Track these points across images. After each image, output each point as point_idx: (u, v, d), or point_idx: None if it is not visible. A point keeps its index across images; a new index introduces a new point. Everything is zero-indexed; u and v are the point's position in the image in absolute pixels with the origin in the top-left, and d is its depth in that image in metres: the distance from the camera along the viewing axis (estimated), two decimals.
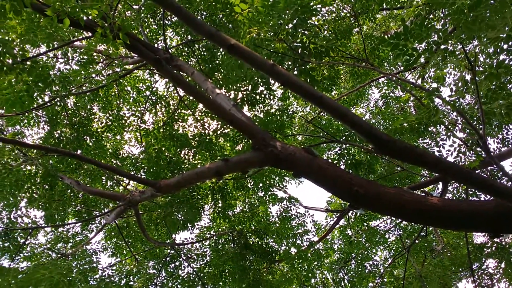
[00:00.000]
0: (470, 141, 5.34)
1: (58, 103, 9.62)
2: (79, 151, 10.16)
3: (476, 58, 4.73)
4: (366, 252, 12.94)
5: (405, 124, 7.01)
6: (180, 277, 11.76)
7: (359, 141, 10.40)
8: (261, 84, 7.71)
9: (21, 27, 6.55)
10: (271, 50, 5.65)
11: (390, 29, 13.71)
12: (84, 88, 9.94)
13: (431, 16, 9.83)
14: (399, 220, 12.88)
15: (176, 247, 11.91)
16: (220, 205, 11.72)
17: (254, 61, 4.05)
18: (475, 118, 5.63)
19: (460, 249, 12.21)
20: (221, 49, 9.57)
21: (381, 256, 14.43)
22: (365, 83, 12.03)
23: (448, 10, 3.86)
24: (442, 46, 4.23)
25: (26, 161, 9.70)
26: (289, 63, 5.85)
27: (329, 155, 10.83)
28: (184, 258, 11.99)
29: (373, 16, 9.99)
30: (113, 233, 12.77)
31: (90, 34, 5.76)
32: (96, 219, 12.26)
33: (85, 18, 4.84)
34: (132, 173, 10.96)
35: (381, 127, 12.02)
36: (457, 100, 5.65)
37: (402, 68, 13.42)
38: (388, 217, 13.39)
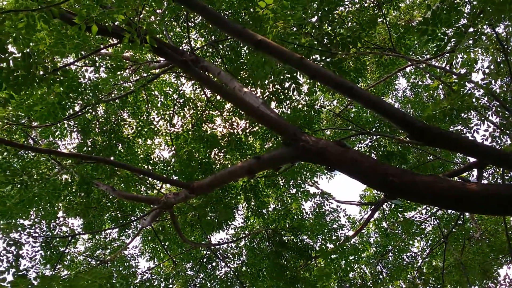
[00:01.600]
0: (505, 124, 5.19)
1: (89, 112, 9.82)
2: (112, 158, 10.33)
3: (507, 39, 4.59)
4: (403, 244, 12.73)
5: (437, 112, 6.87)
6: (218, 277, 11.85)
7: (390, 132, 10.26)
8: (287, 80, 7.67)
9: (50, 38, 6.70)
10: (298, 44, 5.62)
11: (414, 18, 13.46)
12: (113, 95, 10.11)
13: (457, 0, 9.60)
14: (435, 209, 12.65)
15: (212, 247, 12.00)
16: (253, 203, 11.72)
17: (282, 55, 4.03)
18: (509, 100, 5.47)
19: (498, 235, 11.93)
20: (245, 48, 9.59)
21: (419, 247, 14.19)
22: (392, 73, 11.85)
23: None
24: (471, 29, 4.13)
25: (62, 170, 9.95)
26: (316, 56, 5.80)
27: (360, 148, 10.71)
28: (221, 258, 12.06)
29: (397, 4, 9.81)
30: (149, 237, 12.96)
31: (116, 40, 5.85)
32: (133, 224, 12.45)
33: (111, 24, 4.92)
34: (165, 176, 11.08)
35: (412, 116, 11.81)
36: (489, 83, 5.50)
37: (428, 56, 13.17)
38: (424, 207, 13.16)
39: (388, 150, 10.30)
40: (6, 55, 4.53)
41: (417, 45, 12.42)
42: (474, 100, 6.58)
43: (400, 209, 12.50)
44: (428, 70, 10.48)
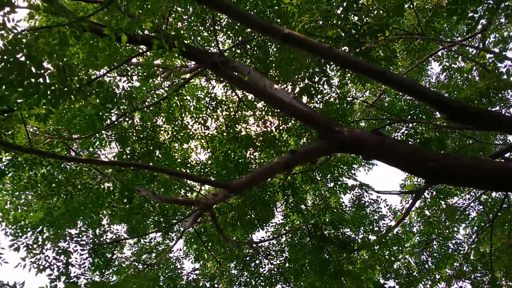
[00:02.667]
0: None
1: (126, 121, 10.06)
2: (150, 164, 10.55)
3: None
4: (447, 231, 12.45)
5: (474, 91, 6.69)
6: (262, 275, 11.92)
7: (426, 118, 10.06)
8: (318, 74, 7.65)
9: (83, 52, 6.91)
10: (325, 36, 5.60)
11: (441, 1, 13.15)
12: (147, 102, 10.33)
13: None
14: (478, 193, 12.33)
15: (254, 245, 12.08)
16: (291, 200, 11.73)
17: (310, 47, 4.03)
18: None
19: None
20: (273, 46, 9.61)
21: (464, 234, 13.84)
22: (424, 58, 11.60)
23: None
24: (502, 5, 4.02)
25: (104, 179, 10.24)
26: (345, 47, 5.77)
27: (396, 137, 10.56)
28: (264, 255, 12.13)
29: None
30: (192, 239, 13.17)
31: (146, 48, 5.98)
32: (175, 227, 12.67)
33: (141, 32, 5.04)
34: (202, 177, 11.22)
35: None
36: None
37: (460, 38, 12.83)
38: (467, 192, 12.84)
39: (426, 137, 10.11)
40: (42, 71, 4.70)
41: (447, 28, 12.12)
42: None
43: (441, 196, 12.23)
44: (460, 52, 10.24)
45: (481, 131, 10.06)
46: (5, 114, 6.00)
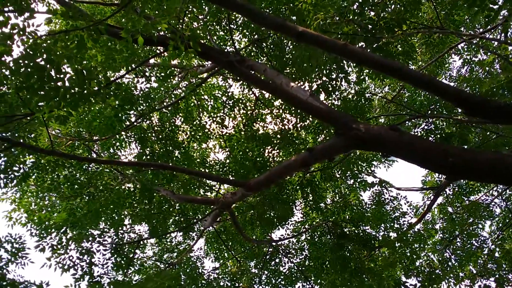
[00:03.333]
0: None
1: (144, 121, 10.16)
2: (169, 164, 10.63)
3: None
4: (471, 228, 12.22)
5: (495, 85, 6.55)
6: (282, 273, 11.91)
7: (447, 113, 9.89)
8: (335, 71, 7.59)
9: (101, 54, 6.99)
10: (341, 33, 5.55)
11: None
12: (165, 103, 10.40)
13: None
14: (503, 188, 12.08)
15: (274, 244, 12.07)
16: (310, 198, 11.68)
17: (324, 44, 3.99)
18: None
19: None
20: (289, 43, 9.57)
21: (489, 232, 13.57)
22: (444, 52, 11.41)
23: None
24: None
25: (124, 179, 10.36)
26: (362, 43, 5.70)
27: (416, 132, 10.40)
28: (283, 254, 12.11)
29: None
30: (212, 239, 13.24)
31: (163, 49, 6.01)
32: (196, 227, 12.75)
33: (157, 34, 5.07)
34: (221, 176, 11.27)
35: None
36: None
37: (481, 30, 12.57)
38: (490, 188, 12.59)
39: (447, 132, 9.93)
40: (61, 75, 4.78)
41: (468, 20, 11.88)
42: None
43: (464, 192, 12.02)
44: (481, 45, 10.03)
45: (503, 125, 9.84)
46: (28, 118, 6.13)
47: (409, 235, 10.93)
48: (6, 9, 4.69)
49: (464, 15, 11.32)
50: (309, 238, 12.18)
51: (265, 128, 11.76)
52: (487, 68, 12.01)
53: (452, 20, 10.19)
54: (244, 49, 10.49)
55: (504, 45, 8.04)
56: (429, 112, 9.96)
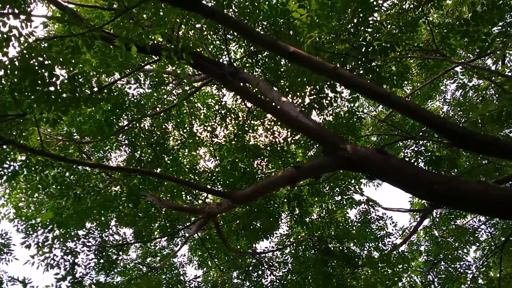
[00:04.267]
0: None
1: (136, 126, 10.14)
2: (158, 169, 10.61)
3: None
4: (455, 253, 12.22)
5: (486, 114, 6.57)
6: (264, 286, 11.84)
7: (437, 136, 9.92)
8: (327, 87, 7.61)
9: (95, 59, 6.98)
10: (334, 52, 5.56)
11: (463, 14, 12.97)
12: (157, 109, 10.39)
13: None
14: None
15: (258, 256, 12.02)
16: (297, 212, 11.66)
17: (315, 67, 4.00)
18: None
19: None
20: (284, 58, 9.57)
21: (475, 258, 13.57)
22: (438, 75, 11.47)
23: None
24: None
25: (112, 182, 10.32)
26: (354, 63, 5.71)
27: (406, 154, 10.41)
28: (266, 266, 12.06)
29: (440, 3, 9.49)
30: (197, 246, 13.18)
31: (157, 58, 6.00)
32: (180, 233, 12.70)
33: (150, 43, 5.06)
34: (209, 186, 11.24)
35: (462, 119, 11.38)
36: None
37: (477, 54, 12.66)
38: (478, 214, 12.63)
39: (437, 155, 9.96)
40: (54, 79, 4.76)
41: (466, 43, 11.93)
42: None
43: (451, 216, 12.04)
44: (476, 70, 10.10)
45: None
46: (20, 119, 6.10)
47: (393, 256, 10.91)
48: (4, 11, 4.67)
49: (460, 39, 11.40)
50: (293, 252, 12.14)
51: (255, 140, 11.75)
52: (481, 93, 12.10)
53: (448, 44, 10.24)
54: (239, 60, 10.49)
55: (500, 70, 8.09)
56: (420, 134, 9.99)
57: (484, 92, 11.98)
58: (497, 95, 11.26)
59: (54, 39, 4.73)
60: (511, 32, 3.88)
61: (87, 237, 9.94)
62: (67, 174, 10.04)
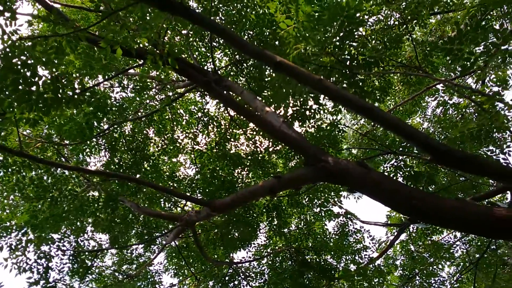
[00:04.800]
0: None
1: (116, 130, 10.02)
2: (137, 175, 10.50)
3: None
4: (431, 268, 12.33)
5: (465, 132, 6.69)
6: None
7: (417, 152, 10.03)
8: (310, 99, 7.65)
9: (79, 61, 6.89)
10: (319, 65, 5.59)
11: (446, 34, 13.22)
12: (139, 114, 10.30)
13: (488, 17, 9.39)
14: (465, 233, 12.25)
15: (235, 266, 11.94)
16: (275, 222, 11.63)
17: (301, 77, 4.01)
18: None
19: None
20: (269, 68, 9.60)
21: (449, 273, 13.73)
22: (420, 92, 11.65)
23: (508, 8, 3.66)
24: (503, 47, 4.02)
25: (90, 187, 10.16)
26: (338, 76, 5.76)
27: (386, 168, 10.50)
28: (243, 277, 11.97)
29: (424, 22, 9.67)
30: (173, 254, 13.03)
31: (142, 61, 5.96)
32: (158, 240, 12.57)
33: (136, 46, 5.02)
34: (188, 194, 11.15)
35: (442, 136, 11.55)
36: None
37: (459, 73, 12.88)
38: (453, 230, 12.78)
39: (416, 170, 10.06)
40: (36, 79, 4.68)
41: (449, 61, 12.13)
42: (505, 121, 6.38)
43: (427, 232, 12.15)
44: (457, 88, 10.27)
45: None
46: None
47: (369, 270, 10.95)
48: None
49: (443, 58, 11.59)
50: (270, 262, 12.08)
51: (237, 149, 11.73)
52: (461, 112, 12.31)
53: (430, 62, 10.42)
54: (224, 68, 10.49)
55: (480, 88, 8.24)
56: (400, 149, 10.08)
57: (464, 110, 12.19)
58: (476, 114, 11.49)
59: (38, 38, 4.65)
60: (493, 52, 3.96)
61: (62, 241, 9.78)
62: (45, 176, 9.88)
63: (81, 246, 10.50)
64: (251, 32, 8.36)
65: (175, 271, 13.40)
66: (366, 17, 6.78)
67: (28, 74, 4.59)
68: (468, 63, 4.24)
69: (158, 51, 4.75)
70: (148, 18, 4.75)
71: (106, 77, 7.41)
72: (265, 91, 9.57)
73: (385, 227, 13.58)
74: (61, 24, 4.89)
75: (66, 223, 10.07)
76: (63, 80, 4.88)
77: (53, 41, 4.70)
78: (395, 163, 10.09)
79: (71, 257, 10.00)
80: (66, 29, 4.78)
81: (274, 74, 8.47)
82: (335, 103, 7.90)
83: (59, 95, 4.81)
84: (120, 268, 13.18)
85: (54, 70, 4.87)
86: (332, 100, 3.93)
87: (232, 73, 10.35)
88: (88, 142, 10.11)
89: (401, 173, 9.95)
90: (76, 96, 5.31)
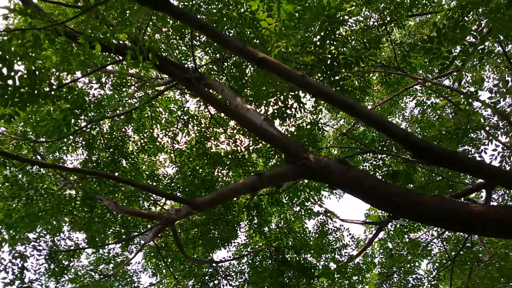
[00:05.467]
0: None
1: (94, 128, 9.86)
2: (116, 174, 10.36)
3: None
4: (408, 266, 12.51)
5: (443, 132, 6.80)
6: None
7: (395, 151, 10.17)
8: (291, 98, 7.67)
9: (56, 56, 6.75)
10: (300, 63, 5.61)
11: (424, 36, 13.40)
12: (118, 111, 10.17)
13: (465, 18, 9.56)
14: (442, 230, 12.46)
15: (214, 265, 11.89)
16: (255, 221, 11.63)
17: (283, 73, 4.00)
18: None
19: (509, 260, 11.64)
20: (250, 66, 9.60)
21: (426, 270, 13.94)
22: (399, 92, 11.79)
23: (483, 9, 3.72)
24: (479, 47, 4.09)
25: (67, 185, 9.98)
26: (319, 75, 5.78)
27: (364, 167, 10.62)
28: (223, 276, 11.94)
29: (402, 23, 9.79)
30: (152, 254, 12.91)
31: (121, 58, 5.87)
32: (136, 240, 12.43)
33: (115, 42, 4.94)
34: (167, 192, 11.06)
35: (420, 136, 11.72)
36: (498, 102, 5.44)
37: (438, 72, 13.07)
38: (430, 228, 12.98)
39: (394, 169, 10.19)
40: (12, 73, 4.57)
41: (426, 63, 12.32)
42: (481, 119, 6.52)
43: (405, 230, 12.31)
44: (434, 89, 10.44)
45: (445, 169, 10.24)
46: None
47: (348, 267, 11.06)
48: None
49: (421, 59, 11.77)
50: (250, 261, 12.08)
51: (217, 147, 11.68)
52: (438, 112, 12.51)
53: (409, 63, 10.55)
54: (205, 66, 10.43)
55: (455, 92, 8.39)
56: (379, 148, 10.21)
57: (441, 110, 12.39)
58: (453, 114, 11.69)
59: (15, 32, 4.54)
60: (471, 51, 4.03)
61: (37, 241, 9.60)
62: (20, 174, 9.67)
63: (57, 245, 10.32)
64: (233, 31, 8.33)
65: (153, 271, 13.28)
66: (346, 17, 6.81)
67: (4, 69, 4.49)
68: (446, 62, 4.30)
69: (138, 47, 4.69)
70: (128, 13, 4.68)
71: (84, 73, 7.28)
72: (246, 90, 9.56)
73: (364, 225, 13.71)
74: (39, 18, 4.79)
75: (42, 222, 9.88)
76: (40, 75, 4.77)
77: (30, 34, 4.59)
78: (374, 162, 10.23)
79: (47, 257, 9.82)
80: (44, 22, 4.69)
81: (255, 73, 8.47)
82: (317, 100, 7.94)
83: (36, 90, 4.70)
84: (97, 268, 13.00)
85: (31, 64, 4.76)
86: (315, 96, 3.94)
87: (212, 72, 10.31)
88: (65, 139, 9.93)
89: (379, 172, 10.08)
90: (53, 92, 5.21)
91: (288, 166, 4.33)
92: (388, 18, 9.52)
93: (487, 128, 7.19)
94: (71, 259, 10.85)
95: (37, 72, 4.71)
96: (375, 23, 9.88)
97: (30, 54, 4.78)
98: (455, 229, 3.64)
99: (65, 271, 10.65)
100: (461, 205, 3.38)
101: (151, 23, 6.43)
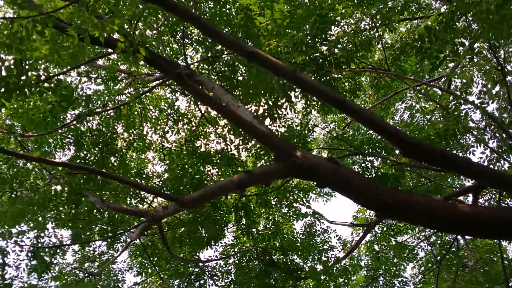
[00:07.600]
0: (503, 147, 5.15)
1: (82, 123, 9.76)
2: (103, 170, 10.24)
3: (505, 58, 4.58)
4: (394, 269, 12.54)
5: (431, 136, 6.85)
6: None
7: (384, 153, 10.21)
8: (282, 98, 7.66)
9: (45, 48, 6.67)
10: (291, 62, 5.60)
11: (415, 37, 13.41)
12: (107, 107, 10.07)
13: (456, 24, 9.62)
14: (428, 233, 12.54)
15: (201, 265, 11.83)
16: (243, 222, 11.59)
17: (275, 68, 3.98)
18: (506, 122, 5.43)
19: (494, 264, 11.73)
20: (241, 66, 9.57)
21: (412, 275, 14.00)
22: (389, 96, 11.85)
23: (473, 10, 3.74)
24: (469, 49, 4.12)
25: (52, 180, 9.84)
26: (310, 75, 5.78)
27: (353, 168, 10.65)
28: (209, 276, 11.88)
29: (393, 27, 9.83)
30: (138, 252, 12.79)
31: (111, 51, 5.81)
32: (122, 238, 12.31)
33: (105, 35, 4.89)
34: (154, 189, 10.98)
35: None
36: (486, 104, 5.49)
37: (427, 77, 13.17)
38: (417, 231, 13.04)
39: (383, 172, 10.23)
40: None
41: (416, 68, 12.37)
42: (470, 122, 6.57)
43: (392, 233, 12.35)
44: (424, 91, 10.51)
45: (436, 168, 10.31)
46: None
47: (335, 269, 11.04)
48: None
49: (411, 64, 11.83)
50: (237, 262, 12.03)
51: (207, 146, 11.63)
52: (427, 116, 12.59)
53: (399, 66, 10.59)
54: (196, 66, 10.38)
55: (445, 95, 8.45)
56: (369, 150, 10.25)
57: (430, 115, 12.46)
58: (442, 118, 11.77)
59: (3, 21, 4.47)
60: (462, 51, 4.06)
61: (20, 237, 9.46)
62: (4, 168, 9.52)
63: (41, 242, 10.16)
64: (226, 30, 8.30)
65: (138, 270, 13.15)
66: (338, 18, 6.84)
67: None
68: (437, 61, 4.32)
69: (128, 39, 4.64)
70: (121, 5, 4.64)
71: (74, 65, 7.19)
72: (237, 90, 9.53)
73: (351, 227, 13.74)
74: (29, 8, 4.72)
75: (26, 218, 9.73)
76: (26, 66, 4.70)
77: (18, 24, 4.53)
78: (363, 164, 10.26)
79: (29, 253, 9.68)
80: (33, 13, 4.62)
81: (247, 72, 8.45)
82: (307, 99, 7.94)
83: (23, 80, 4.63)
84: (82, 266, 12.84)
85: (17, 54, 4.70)
86: (305, 90, 3.93)
87: (204, 71, 10.26)
88: (54, 134, 9.81)
89: (368, 174, 10.12)
90: (40, 84, 5.13)
91: (277, 164, 4.31)
92: (380, 21, 9.54)
93: (475, 132, 7.24)
94: (55, 256, 10.70)
95: (24, 62, 4.64)
96: (367, 26, 9.91)
97: (18, 44, 4.71)
98: (442, 228, 3.65)
99: (48, 268, 10.50)
100: (449, 205, 3.39)
101: (142, 18, 6.38)
